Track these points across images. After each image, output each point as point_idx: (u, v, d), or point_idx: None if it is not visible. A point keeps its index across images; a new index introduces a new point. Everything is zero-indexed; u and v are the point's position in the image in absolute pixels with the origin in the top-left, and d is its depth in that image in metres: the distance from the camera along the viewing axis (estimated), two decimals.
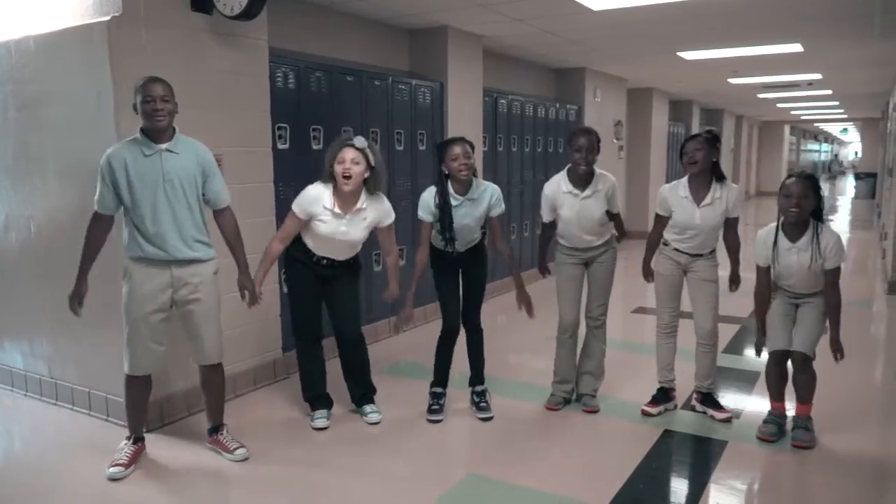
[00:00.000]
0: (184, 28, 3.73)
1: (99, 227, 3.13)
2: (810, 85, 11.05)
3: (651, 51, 7.68)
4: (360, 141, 3.48)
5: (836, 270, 3.34)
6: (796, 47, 7.35)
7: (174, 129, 3.11)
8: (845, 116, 21.42)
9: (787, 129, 24.46)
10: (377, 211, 3.58)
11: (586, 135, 3.68)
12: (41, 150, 3.85)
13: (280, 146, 4.47)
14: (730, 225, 3.72)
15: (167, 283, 3.12)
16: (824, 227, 3.34)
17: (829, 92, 12.45)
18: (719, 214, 3.63)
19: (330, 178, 3.49)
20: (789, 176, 3.36)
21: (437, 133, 5.93)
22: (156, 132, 3.03)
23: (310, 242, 3.59)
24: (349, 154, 3.42)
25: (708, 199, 3.61)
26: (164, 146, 3.06)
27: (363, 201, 3.52)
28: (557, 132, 8.33)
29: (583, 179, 3.73)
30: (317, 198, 3.49)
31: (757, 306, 3.55)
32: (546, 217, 3.86)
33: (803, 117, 21.21)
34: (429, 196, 3.67)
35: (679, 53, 7.82)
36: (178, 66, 3.66)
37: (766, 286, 3.51)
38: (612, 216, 3.84)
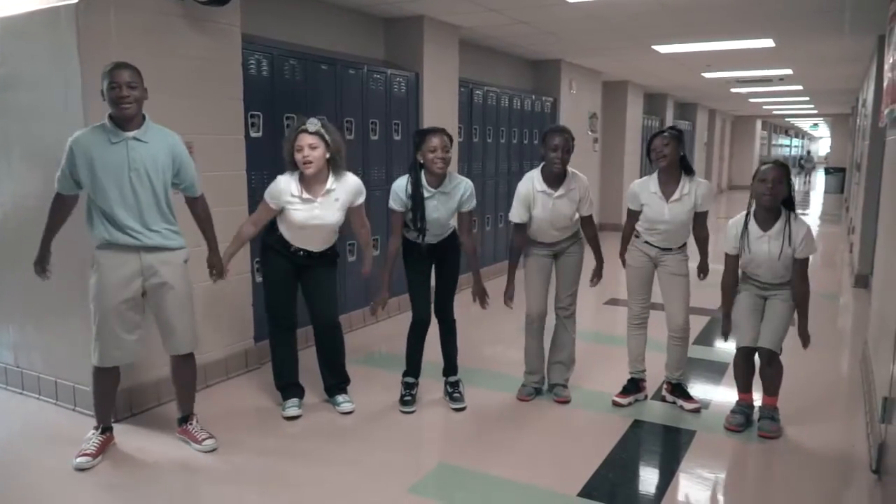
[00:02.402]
0: (154, 12, 3.66)
1: (60, 205, 3.14)
2: (781, 80, 11.21)
3: (626, 44, 7.72)
4: (312, 124, 3.41)
5: (806, 261, 3.40)
6: (768, 42, 7.44)
7: (144, 117, 3.04)
8: (816, 112, 21.75)
9: (759, 123, 24.81)
10: (348, 191, 3.54)
11: (561, 134, 3.67)
12: (7, 136, 3.77)
13: (253, 134, 4.42)
14: (699, 218, 3.76)
15: (137, 270, 3.07)
16: (796, 217, 3.39)
17: (800, 87, 12.63)
18: (688, 210, 3.67)
19: (293, 166, 3.46)
20: (764, 163, 3.43)
21: (413, 123, 5.90)
22: (123, 120, 2.96)
23: (287, 234, 3.55)
24: (306, 140, 3.38)
25: (677, 195, 3.65)
26: (131, 134, 2.99)
27: (331, 182, 3.49)
28: (533, 124, 8.35)
29: (556, 178, 3.73)
30: (285, 189, 3.45)
31: (724, 295, 3.60)
32: (518, 217, 3.77)
33: (775, 112, 21.52)
34: (399, 187, 3.63)
35: (654, 47, 7.87)
36: (148, 52, 3.59)
37: (734, 274, 3.56)
38: (585, 220, 3.86)
